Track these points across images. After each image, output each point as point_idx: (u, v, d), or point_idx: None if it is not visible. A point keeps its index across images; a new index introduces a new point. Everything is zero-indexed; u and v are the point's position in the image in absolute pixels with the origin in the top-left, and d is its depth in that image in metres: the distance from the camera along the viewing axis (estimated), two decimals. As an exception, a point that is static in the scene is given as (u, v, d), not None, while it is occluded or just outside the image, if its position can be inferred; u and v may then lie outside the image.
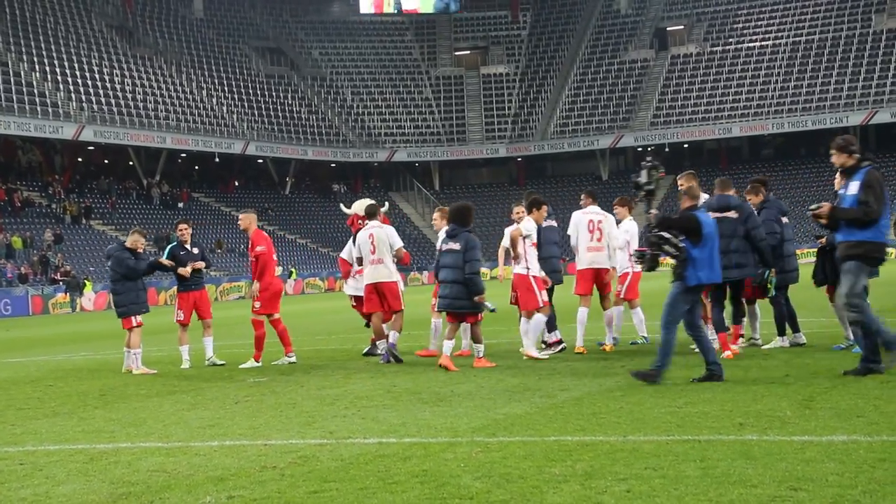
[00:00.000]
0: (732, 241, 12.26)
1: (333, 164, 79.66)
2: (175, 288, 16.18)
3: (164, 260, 15.20)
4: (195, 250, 15.28)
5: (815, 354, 12.10)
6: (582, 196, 14.89)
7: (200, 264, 15.31)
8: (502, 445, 7.41)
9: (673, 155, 78.69)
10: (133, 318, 14.80)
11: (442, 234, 14.02)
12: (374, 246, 14.30)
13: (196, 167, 74.74)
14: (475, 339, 13.32)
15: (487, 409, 9.20)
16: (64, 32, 68.70)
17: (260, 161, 75.93)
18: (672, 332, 10.54)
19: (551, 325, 14.22)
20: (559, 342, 14.24)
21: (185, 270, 14.99)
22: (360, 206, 15.46)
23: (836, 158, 10.34)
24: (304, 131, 76.57)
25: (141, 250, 15.12)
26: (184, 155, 70.97)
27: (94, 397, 11.96)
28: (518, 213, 13.91)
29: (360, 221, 15.20)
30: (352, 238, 15.26)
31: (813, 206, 10.33)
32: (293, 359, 14.72)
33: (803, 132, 72.96)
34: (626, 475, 6.22)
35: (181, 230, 15.46)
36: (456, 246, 13.15)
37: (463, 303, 13.08)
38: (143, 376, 14.15)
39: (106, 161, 69.46)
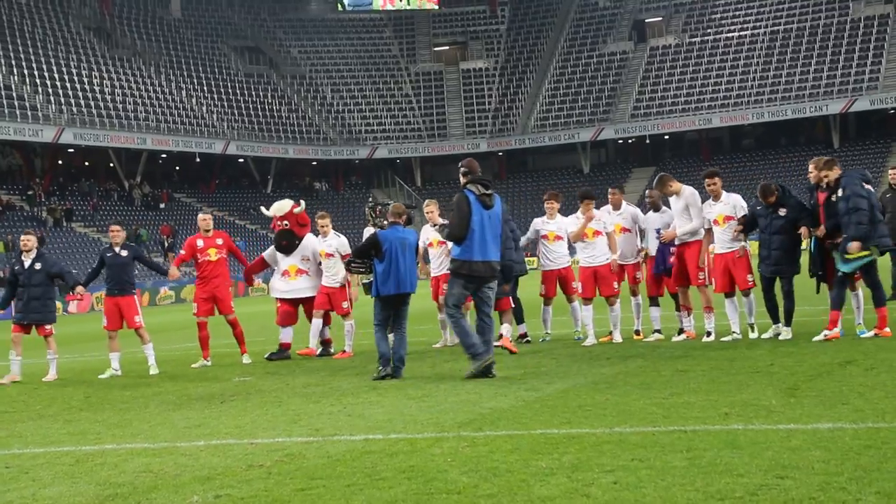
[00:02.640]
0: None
1: (315, 163, 79.50)
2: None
3: (79, 291, 14.99)
4: (123, 253, 14.83)
5: (800, 343, 12.15)
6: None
7: (78, 292, 14.93)
8: (489, 440, 7.42)
9: (654, 147, 78.82)
10: (14, 325, 14.87)
11: (331, 239, 15.01)
12: None
13: (177, 168, 74.46)
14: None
15: (473, 404, 9.21)
16: (41, 35, 68.32)
17: (241, 160, 75.68)
18: (379, 332, 11.95)
19: (519, 318, 14.82)
20: (524, 335, 14.89)
21: (80, 290, 14.96)
22: (275, 207, 15.42)
23: (461, 180, 11.43)
24: (284, 130, 76.37)
25: (27, 250, 14.80)
26: (164, 156, 70.68)
27: (79, 399, 11.92)
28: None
29: (278, 223, 15.30)
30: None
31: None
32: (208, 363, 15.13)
33: (783, 121, 73.14)
34: (612, 467, 6.24)
35: (111, 231, 15.11)
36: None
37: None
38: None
39: (86, 163, 69.16)
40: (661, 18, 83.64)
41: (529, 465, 6.47)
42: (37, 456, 8.17)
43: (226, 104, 74.59)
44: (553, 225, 14.64)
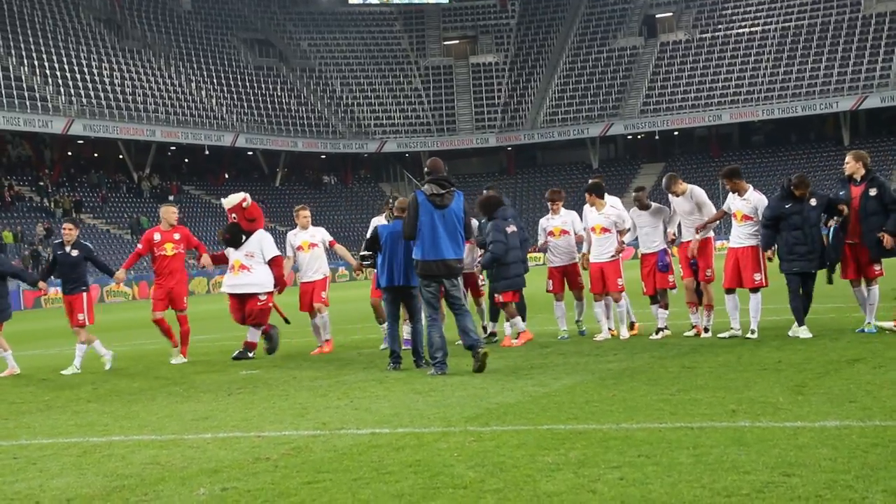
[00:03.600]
0: None
1: (324, 156, 79.57)
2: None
3: (41, 286, 15.22)
4: (74, 252, 14.52)
5: (807, 340, 12.11)
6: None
7: (40, 287, 15.14)
8: (495, 434, 7.42)
9: (663, 142, 78.74)
10: None
11: (313, 230, 14.95)
12: None
13: (186, 160, 74.62)
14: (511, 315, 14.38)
15: (480, 399, 9.21)
16: (52, 27, 68.48)
17: (250, 153, 75.82)
18: (389, 328, 12.39)
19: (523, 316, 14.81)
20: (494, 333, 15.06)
21: (42, 287, 15.13)
22: (226, 200, 14.93)
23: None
24: (293, 123, 76.44)
25: None
26: (173, 148, 70.83)
27: (87, 391, 11.95)
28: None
29: (230, 216, 14.85)
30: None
31: None
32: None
33: (793, 118, 73.04)
34: (619, 463, 6.23)
35: (63, 229, 14.81)
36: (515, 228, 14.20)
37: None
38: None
39: (96, 155, 69.31)
40: (671, 14, 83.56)
41: (536, 460, 6.47)
42: (44, 447, 8.19)
43: (235, 97, 74.69)
44: (558, 220, 14.69)
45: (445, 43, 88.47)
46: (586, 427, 7.48)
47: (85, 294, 14.64)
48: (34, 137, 64.12)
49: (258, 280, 14.71)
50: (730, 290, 13.06)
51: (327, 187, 79.04)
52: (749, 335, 12.78)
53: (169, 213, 15.04)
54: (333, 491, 6.03)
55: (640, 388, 9.22)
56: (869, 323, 12.44)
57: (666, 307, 13.79)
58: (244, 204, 14.75)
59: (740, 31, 79.22)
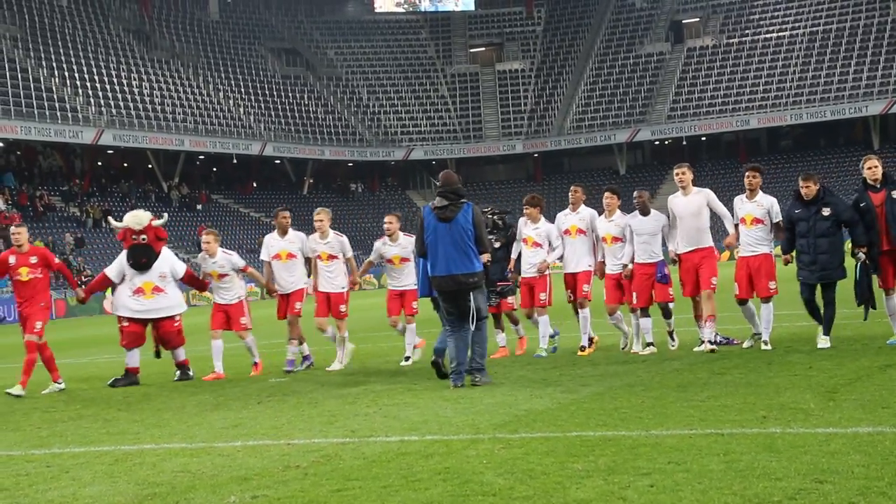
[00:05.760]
0: None
1: (351, 164, 79.76)
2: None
3: None
4: None
5: (839, 347, 12.01)
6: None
7: None
8: (524, 442, 7.41)
9: (690, 148, 78.40)
10: None
11: (220, 259, 14.06)
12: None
13: (214, 169, 74.97)
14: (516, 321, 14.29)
15: (509, 406, 9.20)
16: (82, 38, 69.04)
17: (277, 162, 76.10)
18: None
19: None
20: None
21: None
22: (130, 219, 13.98)
23: None
24: (320, 131, 76.67)
25: None
26: (202, 157, 71.17)
27: (118, 399, 12.03)
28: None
29: (132, 237, 13.80)
30: (123, 254, 13.97)
31: None
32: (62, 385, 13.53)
33: (822, 123, 72.54)
34: (649, 470, 6.21)
35: None
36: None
37: None
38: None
39: (125, 164, 69.79)
40: (698, 19, 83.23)
41: (565, 467, 6.46)
42: (77, 455, 8.25)
43: (263, 106, 75.02)
44: (531, 229, 13.67)
45: (472, 50, 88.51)
46: (616, 434, 7.46)
47: None
48: (65, 148, 64.62)
49: (174, 301, 14.06)
50: (743, 301, 12.63)
51: (354, 195, 79.21)
52: (763, 347, 12.35)
53: (12, 235, 13.63)
54: (363, 499, 6.04)
55: (669, 394, 9.19)
56: None
57: (670, 315, 13.18)
58: (156, 223, 14.00)
59: (767, 35, 78.80)
